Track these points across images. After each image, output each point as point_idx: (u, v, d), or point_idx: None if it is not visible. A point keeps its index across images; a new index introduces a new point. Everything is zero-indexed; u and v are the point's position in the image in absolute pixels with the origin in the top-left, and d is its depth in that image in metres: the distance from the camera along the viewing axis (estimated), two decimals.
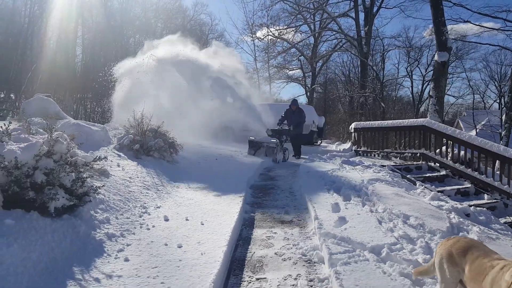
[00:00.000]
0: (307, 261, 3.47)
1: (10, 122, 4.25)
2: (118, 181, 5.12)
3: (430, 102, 14.42)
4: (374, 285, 2.72)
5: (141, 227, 3.96)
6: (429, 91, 15.46)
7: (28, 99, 12.94)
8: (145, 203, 4.76)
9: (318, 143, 16.24)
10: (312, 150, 12.93)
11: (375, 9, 24.04)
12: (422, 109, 34.02)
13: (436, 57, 14.07)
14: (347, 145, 13.94)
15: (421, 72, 35.27)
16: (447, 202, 5.70)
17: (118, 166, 5.89)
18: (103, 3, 28.76)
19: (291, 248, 3.78)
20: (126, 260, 3.14)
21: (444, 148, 8.31)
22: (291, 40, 28.17)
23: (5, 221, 2.97)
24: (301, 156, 10.71)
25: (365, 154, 11.04)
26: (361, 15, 24.37)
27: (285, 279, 3.09)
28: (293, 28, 27.29)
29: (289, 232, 4.30)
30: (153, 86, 12.20)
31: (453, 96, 37.29)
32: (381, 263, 3.11)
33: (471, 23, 16.33)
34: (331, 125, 32.49)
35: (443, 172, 8.10)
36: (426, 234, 3.84)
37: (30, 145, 3.55)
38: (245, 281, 3.08)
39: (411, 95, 37.25)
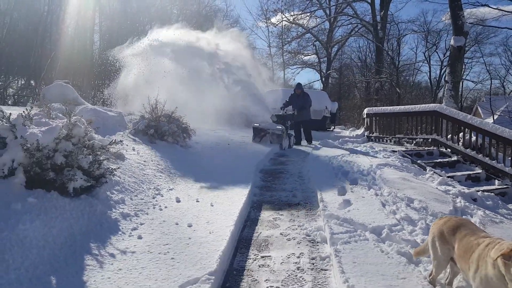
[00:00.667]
0: (310, 241, 3.63)
1: (31, 107, 4.51)
2: (133, 164, 5.35)
3: (446, 87, 14.24)
4: (371, 262, 2.86)
5: (154, 208, 4.18)
6: (445, 76, 15.23)
7: (48, 86, 13.33)
8: (158, 186, 4.97)
9: (331, 128, 16.25)
10: (324, 135, 12.98)
11: None
12: (440, 94, 33.32)
13: (452, 42, 13.82)
14: (360, 131, 13.93)
15: (439, 57, 34.40)
16: (454, 187, 5.75)
17: (133, 150, 6.13)
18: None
19: (296, 229, 3.94)
20: (139, 237, 3.36)
21: (455, 133, 8.28)
22: (306, 25, 27.86)
23: (28, 199, 3.21)
24: (313, 141, 10.74)
25: (377, 140, 11.04)
26: (377, 0, 23.88)
27: (288, 257, 3.26)
28: (308, 14, 26.95)
29: (295, 214, 4.45)
30: (162, 72, 12.21)
31: (472, 82, 36.27)
32: (380, 243, 3.24)
33: (489, 6, 15.84)
34: (346, 111, 32.25)
35: (454, 158, 8.08)
36: (428, 216, 3.94)
37: (51, 128, 3.78)
38: (250, 258, 3.27)
39: (429, 81, 36.48)
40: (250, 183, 5.46)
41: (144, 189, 4.68)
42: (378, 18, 23.34)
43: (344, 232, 3.42)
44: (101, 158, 4.21)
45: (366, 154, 7.85)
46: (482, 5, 15.71)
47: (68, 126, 4.03)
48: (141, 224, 3.68)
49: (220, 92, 12.20)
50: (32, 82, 22.13)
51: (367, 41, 30.58)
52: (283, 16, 26.94)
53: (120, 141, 4.67)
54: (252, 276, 2.92)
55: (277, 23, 28.11)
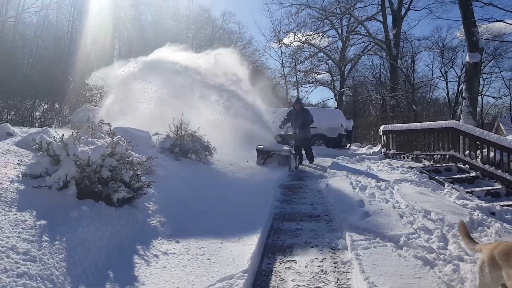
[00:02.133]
0: (332, 248, 3.93)
1: (77, 130, 5.03)
2: (163, 180, 5.77)
3: (463, 103, 14.36)
4: (389, 264, 3.15)
5: (185, 219, 4.55)
6: (462, 93, 15.35)
7: (78, 109, 14.09)
8: (186, 198, 5.37)
9: (347, 146, 16.47)
10: (341, 153, 13.22)
11: (403, 11, 23.94)
12: (459, 111, 33.11)
13: (467, 58, 14.04)
14: (377, 148, 14.13)
15: (456, 73, 34.45)
16: (472, 201, 5.91)
17: (162, 166, 6.56)
18: (137, 17, 30.46)
19: (318, 238, 4.25)
20: (177, 242, 3.75)
21: (473, 149, 8.44)
22: (318, 44, 28.49)
23: (82, 208, 3.64)
24: (329, 158, 10.89)
25: (394, 157, 11.24)
26: (389, 18, 24.37)
27: (312, 261, 3.57)
28: (320, 33, 27.61)
29: (316, 225, 4.76)
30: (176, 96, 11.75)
31: (493, 97, 35.84)
32: (398, 248, 3.52)
33: (504, 22, 16.04)
34: (362, 129, 32.35)
35: (472, 174, 8.22)
36: (444, 227, 4.18)
37: (98, 147, 4.24)
38: (277, 262, 3.59)
39: (446, 97, 36.37)
40: (272, 197, 5.80)
41: (176, 202, 5.08)
42: (391, 36, 23.77)
43: (363, 239, 3.72)
44: (139, 173, 4.65)
45: (383, 170, 8.10)
46: (497, 21, 15.94)
47: (111, 145, 4.50)
48: (177, 231, 4.06)
49: (231, 115, 11.72)
50: (56, 105, 23.21)
51: (381, 59, 31.02)
52: (295, 37, 27.69)
53: (155, 157, 5.10)
54: (280, 276, 3.25)
55: (289, 44, 28.85)
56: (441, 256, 3.30)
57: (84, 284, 2.74)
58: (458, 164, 8.78)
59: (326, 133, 15.51)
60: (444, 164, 9.05)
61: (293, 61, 29.78)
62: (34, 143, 4.33)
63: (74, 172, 4.04)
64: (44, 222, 3.16)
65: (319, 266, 3.45)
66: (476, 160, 8.20)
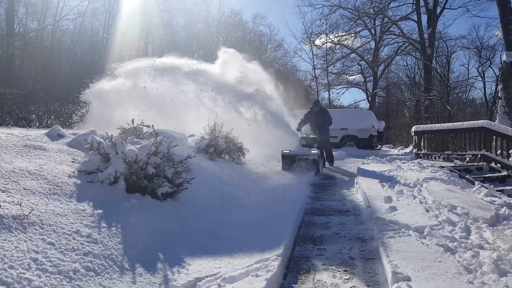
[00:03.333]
0: (359, 238, 4.18)
1: (123, 131, 5.56)
2: (200, 177, 6.20)
3: (499, 104, 14.02)
4: (413, 251, 3.37)
5: (222, 212, 4.95)
6: (498, 93, 14.96)
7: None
8: (222, 194, 5.77)
9: (378, 147, 16.43)
10: (372, 153, 13.26)
11: (438, 10, 23.43)
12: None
13: (504, 57, 13.71)
14: (409, 149, 14.05)
15: (494, 73, 33.13)
16: (500, 198, 5.93)
17: (198, 165, 7.01)
18: (169, 22, 31.55)
19: (346, 229, 4.51)
20: (215, 232, 4.14)
21: (505, 149, 8.35)
22: (350, 45, 28.34)
23: (131, 200, 4.11)
24: (360, 159, 11.00)
25: (426, 157, 11.20)
26: (423, 17, 23.93)
27: (340, 250, 3.84)
28: (353, 34, 27.47)
29: (345, 219, 5.01)
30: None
31: None
32: (422, 238, 3.72)
33: None
34: (395, 130, 31.80)
35: (504, 173, 8.14)
36: (468, 220, 4.31)
37: (143, 146, 4.72)
38: (308, 249, 3.89)
39: (484, 97, 35.07)
40: (303, 193, 6.10)
41: (212, 197, 5.49)
42: (426, 35, 23.31)
43: (389, 230, 3.95)
44: (180, 170, 5.10)
45: (413, 169, 8.16)
46: None
47: (155, 144, 4.98)
48: (215, 223, 4.46)
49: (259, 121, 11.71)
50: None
51: (416, 59, 30.36)
52: (327, 38, 27.71)
53: (195, 156, 5.54)
54: (311, 262, 3.55)
55: (321, 45, 28.86)
56: (462, 245, 3.48)
57: (139, 262, 3.18)
58: (490, 163, 8.70)
59: (357, 134, 15.58)
60: (475, 164, 8.98)
61: (325, 62, 29.78)
62: (86, 143, 4.88)
63: (123, 168, 4.53)
64: (100, 211, 3.65)
65: (347, 253, 3.73)
66: (508, 160, 8.11)
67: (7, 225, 2.85)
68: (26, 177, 3.82)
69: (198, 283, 2.91)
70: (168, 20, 31.86)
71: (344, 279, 3.16)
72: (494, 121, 11.50)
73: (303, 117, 10.11)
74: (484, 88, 34.41)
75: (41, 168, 4.21)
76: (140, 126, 6.11)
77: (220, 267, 3.19)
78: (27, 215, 3.05)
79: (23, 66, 23.95)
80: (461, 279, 2.81)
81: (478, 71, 33.51)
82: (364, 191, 6.03)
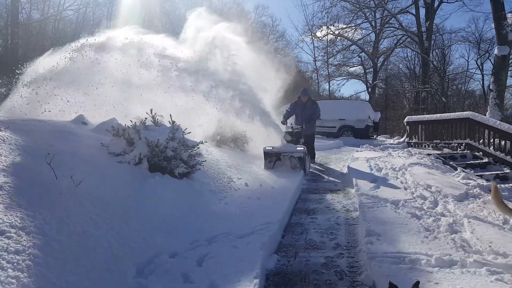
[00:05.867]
0: (345, 210, 5.01)
1: (144, 119, 6.34)
2: (209, 161, 6.99)
3: (491, 96, 14.69)
4: (386, 217, 4.18)
5: (230, 189, 5.75)
6: (489, 85, 15.64)
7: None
8: (230, 176, 6.56)
9: (374, 136, 17.24)
10: (367, 143, 14.04)
11: (436, 4, 23.97)
12: None
13: (496, 51, 14.39)
14: (402, 139, 14.82)
15: (492, 65, 33.57)
16: (475, 181, 6.70)
17: (207, 151, 7.80)
18: (171, 11, 32.04)
19: (336, 204, 5.34)
20: (226, 204, 4.95)
21: (487, 138, 9.11)
22: (351, 37, 28.90)
23: (155, 177, 4.91)
24: (355, 147, 11.72)
25: (416, 146, 11.97)
26: (422, 11, 24.47)
27: (329, 218, 4.66)
28: (353, 26, 28.01)
29: (336, 196, 5.83)
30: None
31: None
32: (396, 209, 4.52)
33: None
34: (393, 121, 32.45)
35: (485, 160, 8.90)
36: (439, 196, 5.10)
37: (163, 132, 5.50)
38: (302, 218, 4.71)
39: (482, 89, 35.60)
40: (300, 176, 6.90)
41: (221, 177, 6.28)
42: (424, 29, 23.89)
43: (370, 202, 4.75)
44: (193, 153, 5.89)
45: (402, 156, 8.95)
46: None
47: (172, 131, 5.75)
48: (225, 197, 5.26)
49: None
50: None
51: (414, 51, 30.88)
52: (329, 30, 28.25)
53: (206, 141, 6.32)
54: (304, 226, 4.37)
55: (322, 37, 29.39)
56: (427, 213, 4.28)
57: (169, 225, 3.97)
58: (473, 151, 9.46)
59: (354, 125, 16.36)
60: (460, 152, 9.75)
61: (325, 54, 30.36)
62: (112, 129, 5.66)
63: (146, 151, 5.31)
64: (131, 185, 4.44)
65: (335, 221, 4.54)
66: (489, 148, 8.87)
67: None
68: (67, 157, 4.59)
69: (215, 238, 3.72)
70: (170, 10, 32.33)
71: (330, 238, 3.97)
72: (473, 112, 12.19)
73: (288, 107, 9.10)
74: (483, 80, 34.88)
75: (78, 150, 4.99)
76: (155, 115, 6.89)
77: (231, 228, 4.00)
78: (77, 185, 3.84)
79: (26, 56, 24.59)
80: (419, 235, 3.62)
81: (476, 63, 34.03)
82: (353, 174, 6.82)
